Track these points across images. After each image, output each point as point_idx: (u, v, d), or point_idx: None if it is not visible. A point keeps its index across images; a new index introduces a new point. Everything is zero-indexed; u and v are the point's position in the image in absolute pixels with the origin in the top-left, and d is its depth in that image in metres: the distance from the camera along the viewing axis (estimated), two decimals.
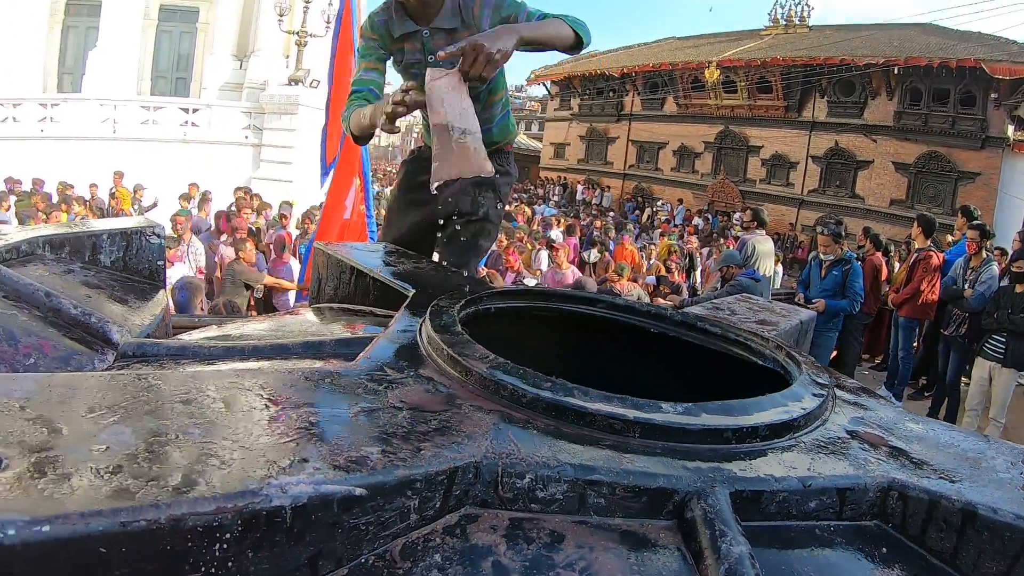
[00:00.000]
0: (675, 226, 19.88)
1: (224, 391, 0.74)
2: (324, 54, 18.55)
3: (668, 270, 9.97)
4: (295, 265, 7.82)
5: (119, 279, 1.92)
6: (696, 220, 21.74)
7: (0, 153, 15.52)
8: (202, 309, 5.42)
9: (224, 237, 8.93)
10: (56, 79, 20.20)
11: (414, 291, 1.42)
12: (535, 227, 12.81)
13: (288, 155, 16.90)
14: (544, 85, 36.44)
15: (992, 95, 18.75)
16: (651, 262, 10.85)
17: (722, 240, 15.58)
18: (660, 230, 17.96)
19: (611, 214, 21.44)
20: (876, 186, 21.76)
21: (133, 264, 2.03)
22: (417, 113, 2.27)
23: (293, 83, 16.89)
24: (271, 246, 8.67)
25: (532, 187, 30.44)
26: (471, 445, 0.72)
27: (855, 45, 21.98)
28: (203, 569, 0.53)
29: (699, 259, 12.22)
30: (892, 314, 8.82)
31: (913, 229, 8.23)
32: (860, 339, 8.60)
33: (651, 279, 9.57)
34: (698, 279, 11.34)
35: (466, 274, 2.40)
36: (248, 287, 6.94)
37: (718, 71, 23.93)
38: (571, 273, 7.88)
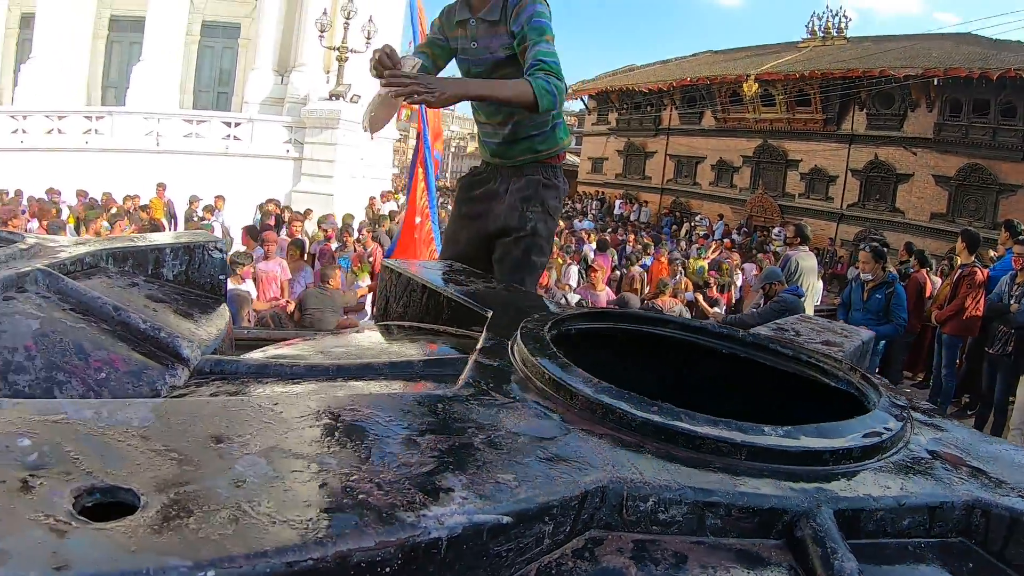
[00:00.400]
0: (714, 240, 19.75)
1: (344, 416, 0.74)
2: (365, 69, 18.75)
3: (707, 285, 9.86)
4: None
5: (182, 293, 1.93)
6: (734, 235, 21.56)
7: (45, 164, 15.96)
8: (248, 321, 5.46)
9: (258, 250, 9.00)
10: (100, 92, 20.71)
11: (492, 312, 1.41)
12: (566, 242, 12.79)
13: (328, 169, 17.11)
14: (582, 100, 36.49)
15: None
16: (675, 279, 10.70)
17: (761, 255, 15.37)
18: (698, 245, 17.83)
19: (644, 230, 21.37)
20: (916, 199, 21.42)
21: (195, 278, 2.05)
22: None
23: (334, 98, 17.05)
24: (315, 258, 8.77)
25: (570, 202, 30.46)
26: (596, 470, 0.73)
27: (893, 57, 21.65)
28: None
29: (739, 275, 12.09)
30: (935, 331, 8.70)
31: (957, 244, 8.10)
32: (902, 357, 8.51)
33: (689, 295, 9.46)
34: (733, 296, 11.20)
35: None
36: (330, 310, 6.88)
37: (756, 84, 23.76)
38: (604, 295, 7.83)
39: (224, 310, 1.96)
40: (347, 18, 16.74)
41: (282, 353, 1.33)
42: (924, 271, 8.88)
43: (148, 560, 0.45)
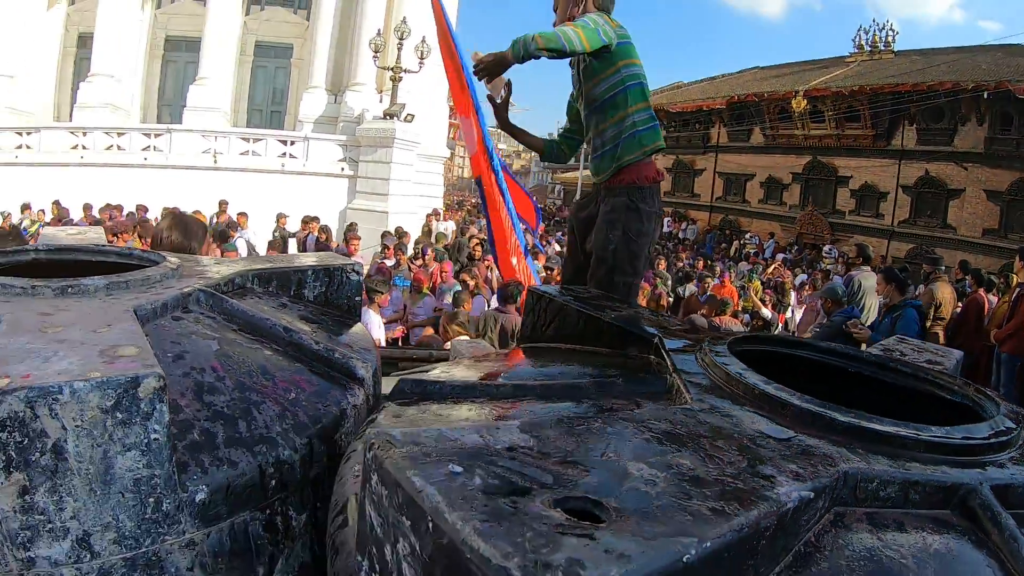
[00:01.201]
0: (764, 259, 19.63)
1: (656, 427, 0.94)
2: (418, 89, 19.17)
3: (762, 302, 9.85)
4: None
5: (326, 314, 2.05)
6: (781, 254, 21.34)
7: (105, 180, 16.51)
8: None
9: None
10: (155, 111, 21.33)
11: (657, 334, 1.50)
12: None
13: (383, 187, 17.42)
14: None
15: None
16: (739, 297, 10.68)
17: (816, 273, 15.19)
18: (750, 264, 17.73)
19: (689, 248, 21.31)
20: (968, 215, 21.04)
21: (334, 299, 2.17)
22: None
23: (388, 117, 17.37)
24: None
25: None
26: (841, 460, 0.92)
27: (942, 71, 21.40)
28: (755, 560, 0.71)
29: (792, 294, 12.03)
30: (994, 350, 8.62)
31: (1015, 263, 7.98)
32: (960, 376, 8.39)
33: (746, 316, 9.47)
34: (789, 313, 11.14)
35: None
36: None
37: (805, 101, 23.59)
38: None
39: (363, 330, 2.07)
40: (400, 38, 17.07)
41: (454, 374, 1.42)
42: (982, 291, 8.81)
43: (668, 544, 0.61)
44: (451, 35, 6.39)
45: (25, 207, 14.29)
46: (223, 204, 13.89)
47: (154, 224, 11.05)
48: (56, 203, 14.13)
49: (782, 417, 1.07)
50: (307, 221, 12.57)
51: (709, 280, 11.39)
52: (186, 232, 3.15)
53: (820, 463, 0.89)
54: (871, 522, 0.88)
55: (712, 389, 1.18)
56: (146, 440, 1.01)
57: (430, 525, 0.63)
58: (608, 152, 3.07)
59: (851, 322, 6.51)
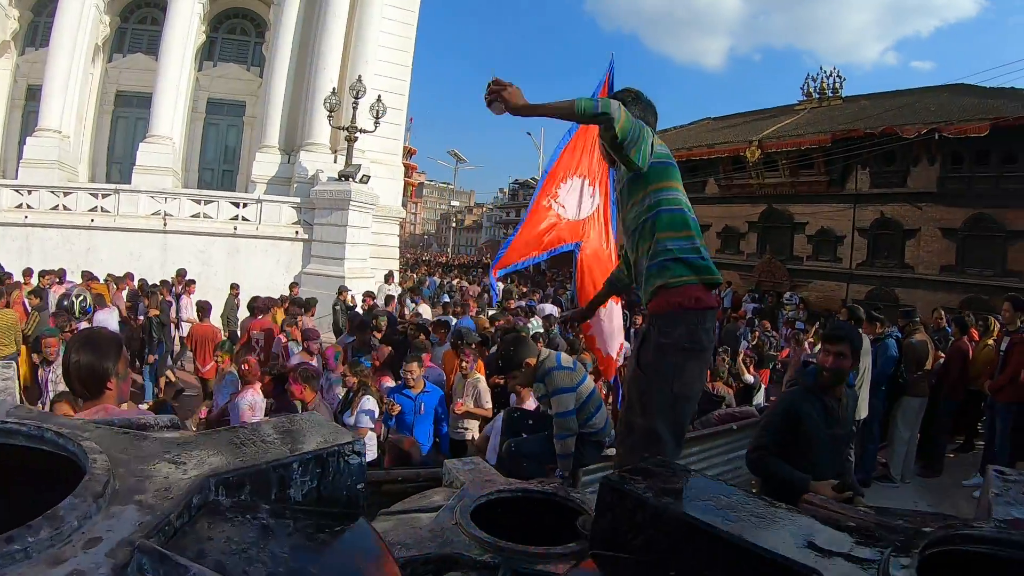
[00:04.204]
0: (724, 308, 19.46)
1: None
2: (373, 148, 18.84)
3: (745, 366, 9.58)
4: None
5: (319, 526, 1.58)
6: (753, 304, 21.24)
7: (49, 241, 15.99)
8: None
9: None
10: (105, 168, 20.72)
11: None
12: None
13: (338, 250, 16.97)
14: None
15: None
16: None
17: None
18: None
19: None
20: (925, 254, 21.41)
21: (329, 494, 1.66)
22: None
23: (343, 178, 16.99)
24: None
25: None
26: None
27: (893, 115, 21.84)
28: None
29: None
30: (977, 395, 8.68)
31: (1004, 309, 7.93)
32: (948, 425, 8.73)
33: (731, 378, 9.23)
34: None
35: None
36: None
37: (759, 151, 23.81)
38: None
39: (367, 528, 1.61)
40: (356, 97, 16.76)
41: None
42: (964, 339, 8.76)
43: None
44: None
45: None
46: (178, 277, 13.30)
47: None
48: None
49: None
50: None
51: None
52: (98, 351, 2.70)
53: None
54: None
55: None
56: None
57: None
58: (646, 275, 2.80)
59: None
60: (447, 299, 16.67)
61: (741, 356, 9.48)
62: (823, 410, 3.43)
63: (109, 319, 9.79)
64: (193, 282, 12.74)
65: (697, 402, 2.68)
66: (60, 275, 12.63)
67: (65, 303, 9.84)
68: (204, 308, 10.05)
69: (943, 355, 8.94)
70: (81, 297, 10.04)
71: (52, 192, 16.78)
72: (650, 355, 2.66)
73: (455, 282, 24.69)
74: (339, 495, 1.68)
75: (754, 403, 8.55)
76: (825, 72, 27.74)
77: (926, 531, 1.27)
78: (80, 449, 1.40)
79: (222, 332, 11.01)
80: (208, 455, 1.58)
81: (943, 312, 11.29)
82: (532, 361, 4.42)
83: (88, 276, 12.50)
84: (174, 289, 12.67)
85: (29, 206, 16.57)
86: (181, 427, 2.10)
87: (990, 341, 8.57)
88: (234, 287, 13.04)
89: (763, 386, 9.43)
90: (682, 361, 2.64)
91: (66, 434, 1.46)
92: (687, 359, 2.64)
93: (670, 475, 1.80)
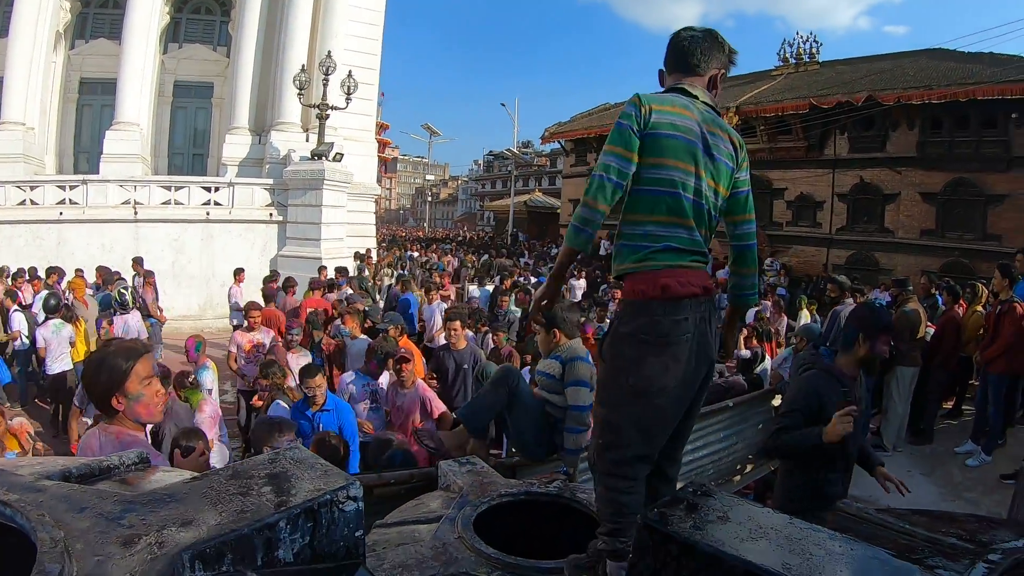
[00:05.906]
0: None
1: None
2: (345, 125, 18.46)
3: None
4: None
5: None
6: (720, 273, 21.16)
7: (18, 237, 15.49)
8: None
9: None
10: (72, 158, 20.17)
11: None
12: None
13: (314, 231, 16.65)
14: (560, 143, 36.32)
15: (1013, 115, 18.47)
16: None
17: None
18: None
19: None
20: (905, 218, 21.39)
21: (323, 549, 1.47)
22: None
23: (316, 157, 16.63)
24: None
25: (553, 245, 30.20)
26: None
27: (873, 80, 21.69)
28: None
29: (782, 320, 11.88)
30: (969, 363, 8.70)
31: (995, 278, 7.90)
32: (940, 394, 8.69)
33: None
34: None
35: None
36: None
37: (736, 117, 23.60)
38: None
39: None
40: (326, 74, 16.38)
41: None
42: (956, 308, 8.70)
43: None
44: None
45: None
46: (136, 263, 12.97)
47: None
48: None
49: None
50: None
51: None
52: (99, 371, 2.47)
53: None
54: None
55: None
56: None
57: None
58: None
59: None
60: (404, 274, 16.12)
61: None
62: (842, 392, 3.46)
63: (130, 320, 9.53)
64: (152, 273, 12.49)
65: (675, 397, 2.38)
66: (31, 273, 12.36)
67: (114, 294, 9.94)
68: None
69: (932, 325, 8.88)
70: (128, 290, 10.16)
71: (18, 187, 16.25)
72: (608, 344, 2.47)
73: (433, 257, 24.37)
74: (336, 549, 1.50)
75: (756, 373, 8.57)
76: (801, 37, 27.51)
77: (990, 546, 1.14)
78: (28, 524, 1.23)
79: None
80: (179, 518, 1.37)
81: (930, 277, 11.21)
82: (561, 336, 4.41)
83: (55, 272, 12.16)
84: (135, 279, 12.38)
85: None
86: (148, 463, 1.87)
87: (978, 307, 8.52)
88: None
89: (768, 357, 9.23)
90: (640, 354, 2.35)
91: (13, 503, 1.28)
92: (646, 352, 2.34)
93: (714, 508, 1.63)
